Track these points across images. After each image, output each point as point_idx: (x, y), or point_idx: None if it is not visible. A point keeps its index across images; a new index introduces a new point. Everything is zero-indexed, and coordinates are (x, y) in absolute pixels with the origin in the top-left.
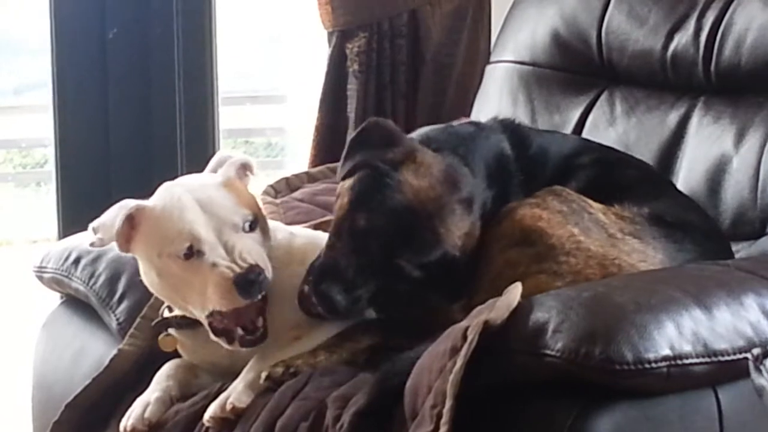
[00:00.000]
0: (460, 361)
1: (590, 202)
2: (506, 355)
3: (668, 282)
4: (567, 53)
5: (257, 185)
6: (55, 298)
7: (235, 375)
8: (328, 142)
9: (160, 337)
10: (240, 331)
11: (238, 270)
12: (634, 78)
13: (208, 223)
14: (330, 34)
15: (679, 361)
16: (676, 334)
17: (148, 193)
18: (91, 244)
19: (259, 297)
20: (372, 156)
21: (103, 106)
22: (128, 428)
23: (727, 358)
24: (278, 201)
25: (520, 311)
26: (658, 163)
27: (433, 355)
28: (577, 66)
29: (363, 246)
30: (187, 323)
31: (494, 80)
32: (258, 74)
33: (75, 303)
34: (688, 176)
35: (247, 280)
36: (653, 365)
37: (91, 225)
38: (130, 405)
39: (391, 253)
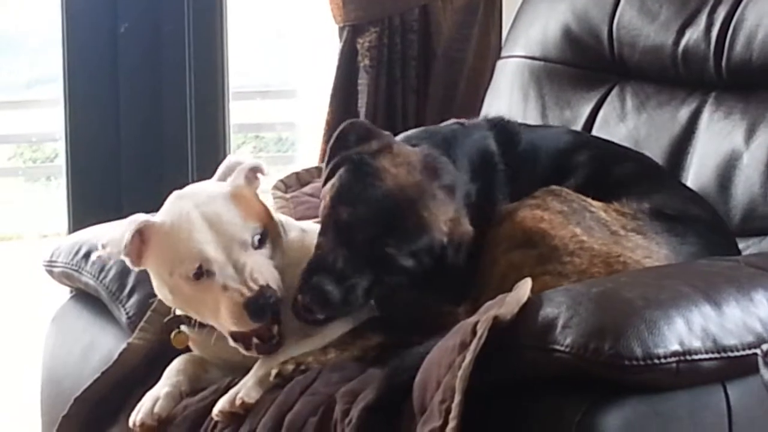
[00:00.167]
0: (469, 356)
1: (590, 200)
2: (515, 351)
3: (677, 277)
4: (578, 48)
5: (268, 180)
6: (65, 292)
7: (246, 370)
8: None
9: (173, 334)
10: (256, 340)
11: (248, 294)
12: (645, 73)
13: (217, 241)
14: (341, 29)
15: (688, 357)
16: (686, 330)
17: (158, 189)
18: (99, 257)
19: (273, 316)
20: (349, 152)
21: (113, 100)
22: (137, 422)
23: (736, 353)
24: (288, 196)
25: (530, 307)
26: (669, 159)
27: (442, 350)
28: (588, 61)
29: (349, 238)
30: (199, 322)
31: (505, 75)
32: (269, 69)
33: (85, 297)
34: (698, 172)
35: (258, 305)
36: (662, 361)
37: (100, 241)
38: (139, 399)
39: (377, 242)
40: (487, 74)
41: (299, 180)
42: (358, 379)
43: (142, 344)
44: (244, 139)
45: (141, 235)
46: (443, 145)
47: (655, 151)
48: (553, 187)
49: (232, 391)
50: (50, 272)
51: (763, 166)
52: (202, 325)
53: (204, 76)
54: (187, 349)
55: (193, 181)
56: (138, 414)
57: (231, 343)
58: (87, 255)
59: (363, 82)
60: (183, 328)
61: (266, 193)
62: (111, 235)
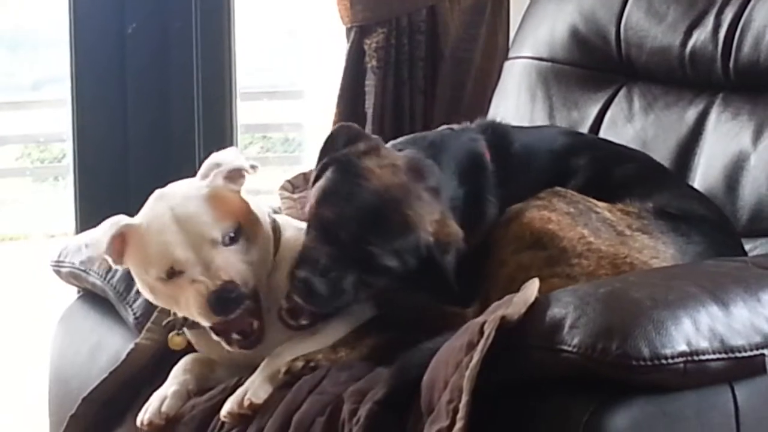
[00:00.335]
0: (476, 356)
1: (595, 201)
2: (523, 351)
3: (685, 278)
4: (585, 49)
5: (275, 180)
6: (72, 292)
7: (253, 369)
8: None
9: (170, 335)
10: (236, 336)
11: (212, 287)
12: (652, 74)
13: (187, 242)
14: (348, 30)
15: (695, 357)
16: (693, 330)
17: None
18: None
19: (239, 311)
20: (337, 154)
21: (121, 100)
22: (145, 422)
23: (743, 354)
24: (296, 196)
25: (537, 307)
26: (676, 160)
27: (449, 350)
28: (595, 62)
29: (333, 236)
30: (195, 322)
31: (513, 76)
32: (276, 70)
33: (92, 297)
34: (705, 173)
35: (220, 298)
36: (670, 361)
37: (83, 241)
38: (147, 399)
39: (361, 241)
40: (495, 75)
41: (306, 180)
42: (366, 378)
43: (149, 344)
44: (251, 139)
45: (122, 237)
46: (430, 150)
47: (663, 152)
48: (558, 188)
49: (239, 392)
50: (58, 272)
51: None
52: (198, 324)
53: (211, 77)
54: (188, 351)
55: None
56: (146, 413)
57: (213, 336)
58: None
59: (370, 82)
60: (185, 329)
61: (273, 193)
62: (92, 237)
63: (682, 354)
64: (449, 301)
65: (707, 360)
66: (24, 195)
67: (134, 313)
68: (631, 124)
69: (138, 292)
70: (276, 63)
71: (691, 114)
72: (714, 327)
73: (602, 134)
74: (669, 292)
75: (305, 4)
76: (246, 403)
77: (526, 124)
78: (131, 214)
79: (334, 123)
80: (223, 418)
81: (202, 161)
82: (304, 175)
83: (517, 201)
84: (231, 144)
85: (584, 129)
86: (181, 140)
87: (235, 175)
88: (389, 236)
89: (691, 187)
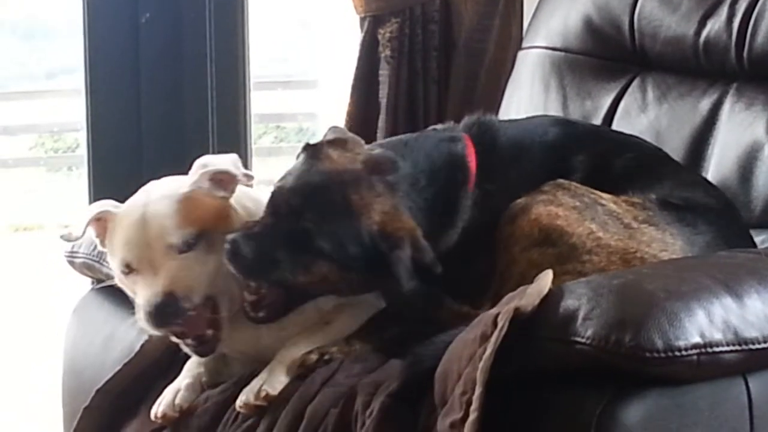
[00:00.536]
0: (490, 348)
1: (599, 193)
2: (536, 343)
3: (698, 269)
4: (599, 39)
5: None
6: (86, 283)
7: (266, 363)
8: (360, 128)
9: None
10: (190, 341)
11: (153, 300)
12: (666, 64)
13: (145, 242)
14: (362, 20)
15: (709, 349)
16: (707, 322)
17: None
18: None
19: (177, 324)
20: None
21: (135, 90)
22: (159, 414)
23: (757, 346)
24: None
25: (551, 298)
26: (690, 150)
27: (463, 342)
28: (609, 52)
29: (274, 208)
30: None
31: (526, 66)
32: (290, 59)
33: (106, 288)
34: (719, 163)
35: (158, 310)
36: (683, 353)
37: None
38: (160, 392)
39: (296, 214)
40: (508, 65)
41: None
42: (379, 370)
43: (162, 337)
44: (265, 129)
45: (102, 221)
46: (404, 150)
47: (676, 142)
48: (561, 180)
49: (254, 383)
50: (71, 263)
51: None
52: None
53: (225, 67)
54: None
55: None
56: (159, 406)
57: (171, 337)
58: None
59: (384, 72)
60: None
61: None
62: (77, 218)
63: (695, 346)
64: (405, 298)
65: (721, 352)
66: (38, 185)
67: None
68: (644, 114)
69: None
70: (290, 53)
71: (705, 104)
72: (728, 318)
73: (616, 124)
74: (682, 284)
75: None
76: (262, 394)
77: (540, 113)
78: None
79: (348, 113)
80: (238, 409)
81: (216, 151)
82: None
83: (510, 195)
84: (245, 134)
85: (598, 119)
86: (194, 130)
87: (226, 181)
88: (326, 215)
89: (691, 172)
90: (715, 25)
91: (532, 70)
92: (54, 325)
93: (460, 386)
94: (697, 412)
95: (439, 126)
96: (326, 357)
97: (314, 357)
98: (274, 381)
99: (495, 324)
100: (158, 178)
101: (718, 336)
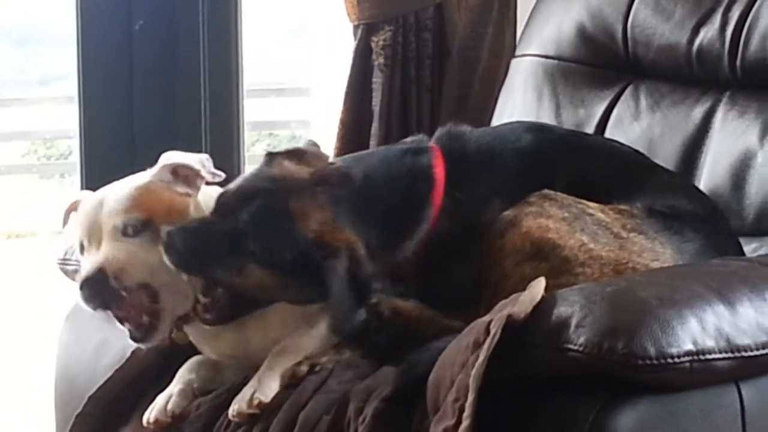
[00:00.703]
0: (482, 354)
1: (586, 202)
2: (529, 350)
3: (691, 277)
4: (592, 47)
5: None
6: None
7: (256, 367)
8: (353, 136)
9: (173, 333)
10: (128, 326)
11: (84, 273)
12: (659, 72)
13: (94, 223)
14: (355, 28)
15: (701, 357)
16: (699, 330)
17: None
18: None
19: (101, 302)
20: None
21: (128, 97)
22: (151, 420)
23: (750, 353)
24: None
25: (544, 306)
26: (683, 158)
27: (455, 349)
28: (602, 60)
29: (217, 207)
30: (186, 316)
31: (519, 74)
32: (283, 67)
33: None
34: (712, 171)
35: (87, 285)
36: (676, 360)
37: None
38: (152, 399)
39: (232, 213)
40: (502, 73)
41: None
42: (371, 377)
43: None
44: (258, 136)
45: (76, 207)
46: (363, 164)
47: (669, 149)
48: (547, 191)
49: (246, 391)
50: (64, 270)
51: None
52: (184, 319)
53: (218, 74)
54: (195, 350)
55: None
56: (151, 412)
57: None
58: None
59: (377, 80)
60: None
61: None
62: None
63: (688, 353)
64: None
65: (713, 359)
66: (30, 192)
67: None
68: (637, 122)
69: None
70: (283, 60)
71: (698, 112)
72: (720, 326)
73: (609, 132)
74: (675, 292)
75: (313, 1)
76: (255, 402)
77: (532, 120)
78: None
79: (341, 120)
80: (231, 418)
81: None
82: None
83: (482, 201)
84: (238, 141)
85: (591, 127)
86: (187, 137)
87: (190, 177)
88: (263, 219)
89: (672, 176)
90: (708, 33)
91: (525, 78)
92: (46, 332)
93: (452, 393)
94: (689, 420)
95: (409, 139)
96: (317, 368)
97: (304, 369)
98: (265, 388)
99: (488, 331)
100: None
101: (710, 343)
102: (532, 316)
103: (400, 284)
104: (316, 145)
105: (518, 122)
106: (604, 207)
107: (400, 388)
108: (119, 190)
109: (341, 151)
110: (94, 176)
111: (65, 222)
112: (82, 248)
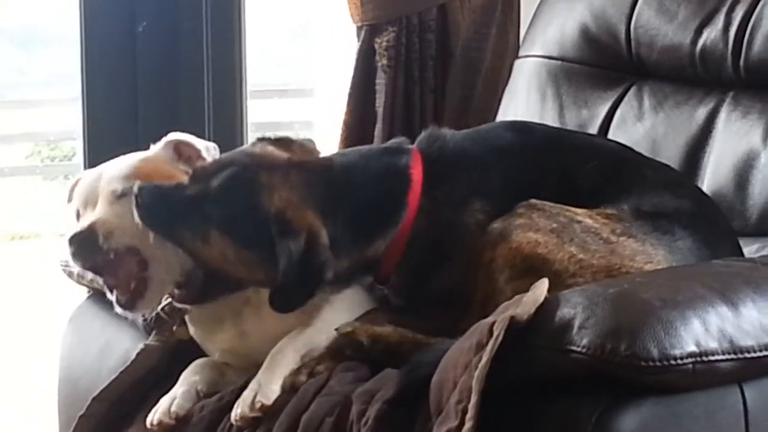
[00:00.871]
0: (485, 356)
1: (573, 209)
2: (532, 351)
3: (694, 278)
4: (596, 48)
5: None
6: (82, 292)
7: (257, 366)
8: (357, 137)
9: (175, 327)
10: (116, 294)
11: (75, 230)
12: (662, 73)
13: (92, 189)
14: (359, 29)
15: (704, 358)
16: (702, 331)
17: None
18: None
19: (89, 259)
20: None
21: (131, 99)
22: (155, 422)
23: (753, 354)
24: None
25: (546, 307)
26: (686, 158)
27: (458, 351)
28: (605, 61)
29: (194, 173)
30: (177, 310)
31: (523, 75)
32: (287, 68)
33: (102, 297)
34: (715, 171)
35: (76, 240)
36: (679, 362)
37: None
38: (156, 402)
39: (206, 181)
40: (505, 74)
41: None
42: (373, 379)
43: (158, 345)
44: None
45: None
46: (343, 161)
47: (673, 150)
48: (534, 201)
49: (247, 394)
50: (67, 272)
51: None
52: (176, 311)
53: (222, 75)
54: (200, 352)
55: None
56: (155, 414)
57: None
58: None
59: (381, 81)
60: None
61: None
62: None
63: (691, 354)
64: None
65: (716, 360)
66: (34, 193)
67: (143, 314)
68: (641, 123)
69: None
70: (286, 61)
71: (702, 112)
72: (723, 327)
73: (612, 133)
74: (678, 293)
75: (316, 2)
76: (257, 405)
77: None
78: None
79: (345, 122)
80: (234, 422)
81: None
82: None
83: (459, 200)
84: (241, 142)
85: (594, 128)
86: None
87: (192, 157)
88: (229, 185)
89: (658, 171)
90: (711, 34)
91: (528, 79)
92: (50, 334)
93: (455, 395)
94: (692, 421)
95: (391, 140)
96: (315, 377)
97: (303, 378)
98: (267, 391)
99: (491, 333)
100: None
101: (713, 345)
102: (535, 317)
103: (383, 285)
104: (311, 142)
105: (501, 122)
106: (592, 213)
107: (403, 390)
108: (120, 161)
109: None
110: None
111: (70, 199)
112: (78, 216)
